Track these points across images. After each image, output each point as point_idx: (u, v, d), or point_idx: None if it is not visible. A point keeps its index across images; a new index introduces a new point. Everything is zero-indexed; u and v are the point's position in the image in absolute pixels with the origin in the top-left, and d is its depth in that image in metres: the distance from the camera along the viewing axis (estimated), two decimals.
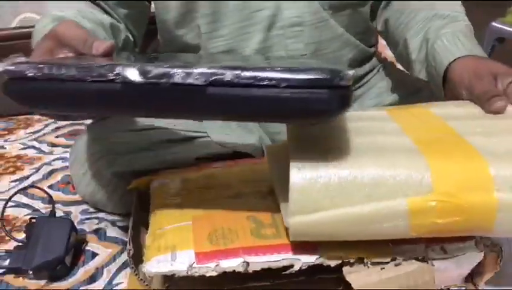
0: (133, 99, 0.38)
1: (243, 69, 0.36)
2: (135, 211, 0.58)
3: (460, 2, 0.70)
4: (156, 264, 0.44)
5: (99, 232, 0.70)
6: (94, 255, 0.66)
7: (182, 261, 0.44)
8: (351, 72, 0.36)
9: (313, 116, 0.38)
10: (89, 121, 0.75)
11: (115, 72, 0.37)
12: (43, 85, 0.39)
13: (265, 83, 0.36)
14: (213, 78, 0.36)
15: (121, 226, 0.71)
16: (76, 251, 0.65)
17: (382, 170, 0.41)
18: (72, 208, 0.76)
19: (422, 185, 0.40)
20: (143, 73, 0.37)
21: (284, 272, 0.44)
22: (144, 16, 0.76)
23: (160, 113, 0.41)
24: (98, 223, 0.72)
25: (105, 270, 0.63)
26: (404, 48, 0.69)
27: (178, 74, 0.36)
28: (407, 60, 0.69)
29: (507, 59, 0.63)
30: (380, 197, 0.41)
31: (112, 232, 0.70)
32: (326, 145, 0.44)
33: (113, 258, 0.65)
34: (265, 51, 0.70)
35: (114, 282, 0.61)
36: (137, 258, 0.49)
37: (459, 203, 0.40)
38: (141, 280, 0.47)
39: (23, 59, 0.41)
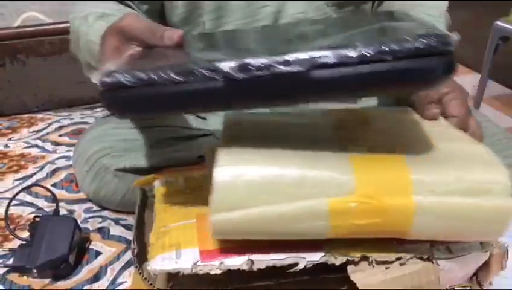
0: (236, 95, 0.37)
1: (345, 47, 0.35)
2: (139, 210, 0.58)
3: (446, 4, 0.70)
4: (161, 262, 0.44)
5: (102, 231, 0.70)
6: (98, 253, 0.66)
7: (186, 259, 0.44)
8: (455, 37, 0.35)
9: (421, 85, 0.37)
10: (92, 120, 0.75)
11: (214, 70, 0.36)
12: (142, 92, 0.38)
13: (371, 58, 0.35)
14: (317, 62, 0.35)
15: (125, 224, 0.71)
16: (80, 249, 0.65)
17: (305, 170, 0.41)
18: (75, 207, 0.76)
19: (344, 186, 0.41)
20: (243, 68, 0.36)
21: (288, 271, 0.44)
22: (161, 12, 0.76)
23: (263, 105, 0.40)
24: (101, 222, 0.72)
25: (109, 269, 0.63)
26: None
27: (279, 63, 0.35)
28: None
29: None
30: (302, 197, 0.41)
31: (116, 230, 0.70)
32: (255, 144, 0.44)
33: (117, 257, 0.65)
34: None
35: (118, 281, 0.61)
36: (141, 257, 0.49)
37: (378, 205, 0.41)
38: (145, 278, 0.47)
39: (113, 67, 0.40)
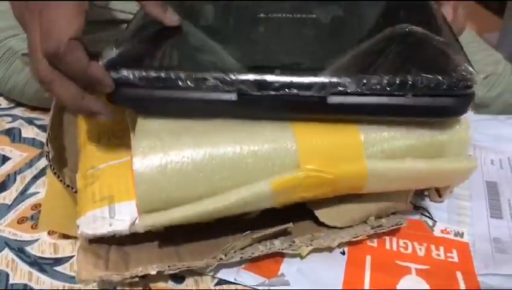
0: (249, 109, 0.37)
1: (368, 78, 0.35)
2: (55, 109, 0.47)
3: None
4: (92, 223, 0.36)
5: (12, 133, 0.58)
6: (5, 159, 0.54)
7: (122, 218, 0.36)
8: (479, 77, 0.35)
9: (436, 118, 0.38)
10: None
11: (229, 83, 0.35)
12: (149, 93, 0.36)
13: (392, 92, 0.35)
14: (335, 90, 0.35)
15: (40, 125, 0.59)
16: None
17: (242, 147, 0.36)
18: None
19: (287, 161, 0.36)
20: (260, 85, 0.35)
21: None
22: None
23: (275, 118, 0.39)
24: (11, 122, 0.60)
25: (18, 177, 0.52)
26: None
27: (299, 86, 0.35)
28: None
29: None
30: (241, 181, 0.36)
31: (29, 132, 0.58)
32: (178, 128, 0.37)
33: (29, 164, 0.54)
34: None
35: (29, 192, 0.50)
36: (60, 163, 0.43)
37: (328, 177, 0.37)
38: (68, 186, 0.42)
39: (112, 54, 0.37)
